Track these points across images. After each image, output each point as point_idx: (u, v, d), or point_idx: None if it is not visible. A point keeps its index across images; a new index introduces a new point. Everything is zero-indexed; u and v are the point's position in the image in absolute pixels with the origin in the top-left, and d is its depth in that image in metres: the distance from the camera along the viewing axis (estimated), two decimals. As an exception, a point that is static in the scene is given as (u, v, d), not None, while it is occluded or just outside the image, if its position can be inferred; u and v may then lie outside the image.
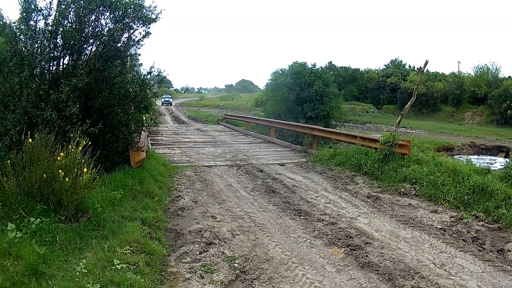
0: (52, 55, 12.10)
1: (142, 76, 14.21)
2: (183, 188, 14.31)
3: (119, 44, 13.30)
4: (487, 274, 7.98)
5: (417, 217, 11.34)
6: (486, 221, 10.68)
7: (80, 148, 8.88)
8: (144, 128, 19.21)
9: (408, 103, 18.36)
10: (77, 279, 6.28)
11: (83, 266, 6.66)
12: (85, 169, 8.57)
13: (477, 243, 9.59)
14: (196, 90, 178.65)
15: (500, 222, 10.51)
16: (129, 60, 14.92)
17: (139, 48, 14.05)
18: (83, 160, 8.81)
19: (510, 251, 9.09)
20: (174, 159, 20.26)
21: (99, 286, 6.20)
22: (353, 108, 65.47)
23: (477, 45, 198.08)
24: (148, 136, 23.63)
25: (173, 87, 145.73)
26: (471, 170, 13.23)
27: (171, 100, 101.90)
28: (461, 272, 8.03)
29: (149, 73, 14.29)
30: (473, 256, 8.85)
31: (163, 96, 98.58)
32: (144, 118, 23.41)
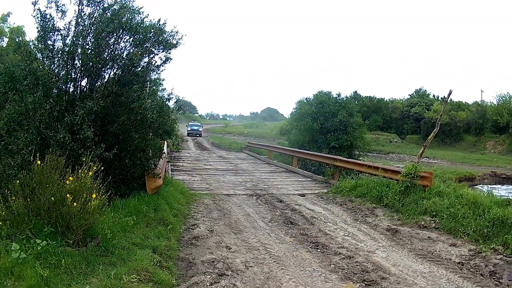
0: (70, 76, 12.14)
1: (161, 102, 14.09)
2: (200, 217, 14.17)
3: (138, 69, 13.23)
4: (502, 310, 7.77)
5: (435, 250, 11.13)
6: (504, 254, 10.47)
7: (91, 173, 8.82)
8: (164, 154, 19.19)
9: (431, 134, 18.23)
10: None
11: None
12: (94, 195, 8.49)
13: (494, 277, 9.39)
14: (221, 117, 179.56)
15: None
16: (148, 85, 14.88)
17: (159, 73, 14.02)
18: (94, 185, 8.74)
19: (527, 286, 8.84)
20: (193, 186, 20.18)
21: None
22: (377, 138, 65.37)
23: (501, 73, 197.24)
24: (168, 162, 23.58)
25: (198, 113, 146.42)
26: (491, 202, 12.98)
27: (200, 129, 78.68)
28: (477, 309, 7.83)
29: (168, 99, 14.25)
30: (490, 292, 8.57)
31: (190, 124, 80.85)
32: (166, 144, 23.41)
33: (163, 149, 19.78)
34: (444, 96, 21.62)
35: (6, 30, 36.37)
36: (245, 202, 17.01)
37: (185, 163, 30.82)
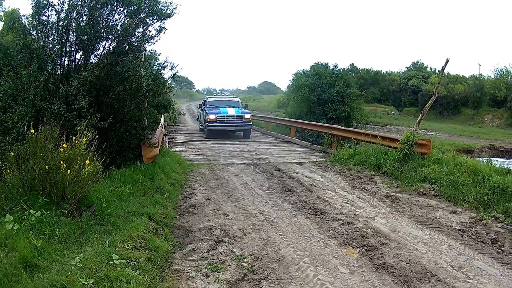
0: (64, 49, 12.00)
1: (155, 71, 13.99)
2: (197, 186, 14.18)
3: (133, 39, 13.14)
4: (505, 278, 7.64)
5: (435, 217, 11.05)
6: (505, 222, 10.34)
7: (85, 140, 8.74)
8: (161, 125, 19.06)
9: (429, 102, 18.10)
10: (70, 273, 6.09)
11: (79, 260, 6.49)
12: (88, 161, 8.36)
13: (496, 245, 9.29)
14: (218, 91, 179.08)
15: None
16: (143, 55, 14.72)
17: (154, 43, 13.80)
18: (88, 152, 8.65)
19: (530, 253, 8.76)
20: (191, 157, 20.24)
21: (92, 281, 5.98)
22: (374, 110, 65.06)
23: (498, 47, 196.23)
24: (165, 135, 23.39)
25: (195, 88, 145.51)
26: (491, 170, 12.92)
27: (247, 116, 30.94)
28: (479, 275, 7.70)
29: (163, 67, 14.12)
30: (492, 259, 8.52)
31: (210, 100, 34.85)
32: (163, 118, 23.25)
33: (160, 121, 19.65)
34: (442, 66, 21.38)
35: (1, 13, 36.14)
36: (242, 171, 17.02)
37: (183, 136, 30.93)
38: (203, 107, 34.62)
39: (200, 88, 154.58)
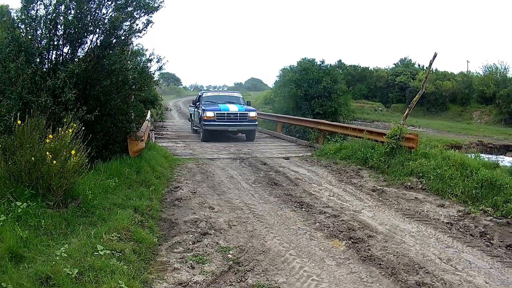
0: (52, 43, 11.98)
1: (142, 62, 13.93)
2: (183, 179, 14.14)
3: (120, 32, 13.14)
4: (495, 270, 7.62)
5: (423, 211, 11.05)
6: (494, 216, 10.39)
7: (71, 130, 8.69)
8: (147, 119, 18.99)
9: (416, 96, 18.14)
10: (54, 263, 6.01)
11: (64, 251, 6.42)
12: (73, 152, 8.31)
13: (485, 238, 9.28)
14: (205, 88, 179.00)
15: (509, 217, 10.23)
16: (130, 48, 14.65)
17: (141, 37, 13.74)
18: (74, 144, 8.65)
19: (519, 247, 8.77)
20: (177, 152, 20.13)
21: (77, 271, 5.93)
22: (361, 106, 65.11)
23: (487, 44, 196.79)
24: (152, 130, 23.25)
25: (182, 85, 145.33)
26: (479, 164, 12.95)
27: (252, 114, 25.71)
28: (468, 267, 7.67)
29: (149, 60, 14.04)
30: (481, 252, 8.51)
31: (206, 95, 28.87)
32: (149, 113, 23.11)
33: (147, 116, 19.52)
34: (430, 61, 21.29)
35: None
36: (228, 165, 16.99)
37: (169, 131, 30.76)
38: (197, 103, 28.26)
39: (187, 85, 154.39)
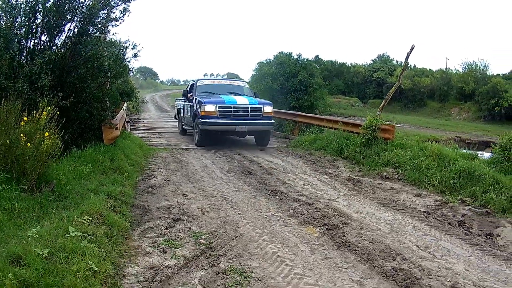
0: (31, 30, 12.04)
1: (117, 50, 13.93)
2: (157, 168, 14.03)
3: (98, 20, 13.16)
4: (475, 258, 7.59)
5: (399, 200, 11.04)
6: (473, 205, 10.41)
7: (45, 113, 8.64)
8: (123, 108, 18.79)
9: (393, 88, 18.29)
10: (25, 243, 6.01)
11: (36, 232, 6.39)
12: (47, 134, 8.28)
13: (463, 227, 9.28)
14: (182, 82, 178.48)
15: (488, 207, 10.24)
16: (106, 37, 14.53)
17: (117, 25, 13.67)
18: (49, 127, 8.55)
19: (499, 236, 8.81)
20: (152, 142, 20.04)
21: (47, 251, 5.87)
22: (338, 101, 65.23)
23: (466, 42, 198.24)
24: (128, 122, 22.95)
25: (159, 79, 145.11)
26: (457, 155, 12.95)
27: (269, 110, 19.14)
28: (446, 255, 7.64)
29: (125, 47, 13.92)
30: (460, 240, 8.50)
31: (204, 83, 21.45)
32: (125, 105, 22.80)
33: (122, 107, 19.24)
34: (408, 53, 21.19)
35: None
36: (203, 155, 16.88)
37: (145, 123, 30.49)
38: (189, 95, 21.54)
39: (164, 79, 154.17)
